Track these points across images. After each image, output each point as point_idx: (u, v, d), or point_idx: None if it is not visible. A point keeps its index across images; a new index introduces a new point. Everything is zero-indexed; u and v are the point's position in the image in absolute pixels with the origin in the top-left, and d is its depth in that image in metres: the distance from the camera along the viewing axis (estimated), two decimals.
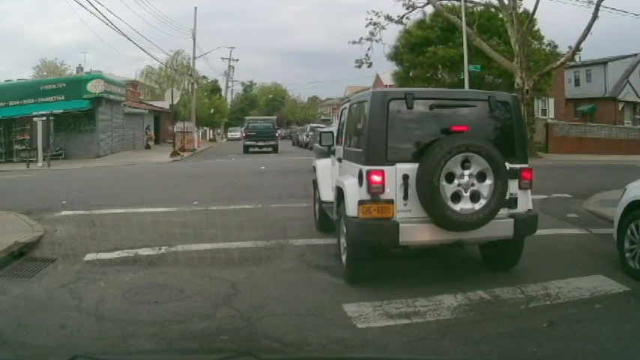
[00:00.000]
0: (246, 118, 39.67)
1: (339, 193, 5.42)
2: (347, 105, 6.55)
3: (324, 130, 9.53)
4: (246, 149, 28.38)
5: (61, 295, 4.79)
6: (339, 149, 6.33)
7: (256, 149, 27.95)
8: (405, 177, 4.75)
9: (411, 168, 4.74)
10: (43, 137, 21.28)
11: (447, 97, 5.35)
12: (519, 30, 23.04)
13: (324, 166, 7.14)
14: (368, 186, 4.76)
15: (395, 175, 4.77)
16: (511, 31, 23.36)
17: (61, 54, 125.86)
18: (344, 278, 5.18)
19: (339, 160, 6.19)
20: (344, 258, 5.26)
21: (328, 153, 7.25)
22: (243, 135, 30.95)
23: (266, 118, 34.94)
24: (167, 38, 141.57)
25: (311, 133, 30.18)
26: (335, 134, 6.88)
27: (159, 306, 4.50)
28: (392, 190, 4.76)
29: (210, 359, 1.94)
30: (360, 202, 4.81)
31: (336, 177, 6.07)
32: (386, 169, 4.77)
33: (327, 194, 6.65)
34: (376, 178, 4.73)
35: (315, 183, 7.48)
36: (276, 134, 30.09)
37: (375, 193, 4.75)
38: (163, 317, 4.20)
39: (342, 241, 5.33)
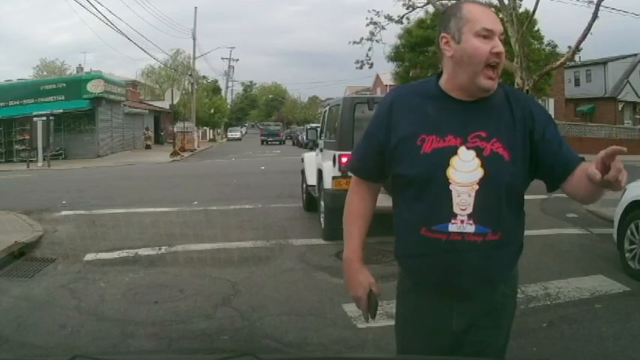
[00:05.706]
0: (265, 123, 62.25)
1: (320, 173, 7.06)
2: (327, 108, 8.31)
3: (310, 127, 12.65)
4: (263, 142, 45.76)
5: (61, 295, 4.79)
6: (321, 142, 7.87)
7: (267, 142, 45.39)
8: None
9: None
10: (43, 137, 21.27)
11: None
12: (519, 30, 23.03)
13: (310, 158, 8.56)
14: (339, 166, 6.33)
15: None
16: (511, 31, 23.33)
17: (61, 54, 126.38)
18: (322, 237, 6.66)
19: (321, 151, 7.65)
20: (322, 222, 6.85)
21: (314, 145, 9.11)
22: (260, 134, 50.14)
23: (275, 124, 56.70)
24: (167, 38, 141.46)
25: None
26: (318, 131, 8.54)
27: (159, 306, 4.50)
28: None
29: (210, 359, 1.94)
30: (334, 178, 6.44)
31: (318, 163, 7.57)
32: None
33: (312, 179, 8.03)
34: (345, 160, 6.09)
35: (302, 171, 8.89)
36: (280, 134, 48.36)
37: (345, 171, 6.04)
38: (163, 317, 4.20)
39: (322, 210, 6.88)
